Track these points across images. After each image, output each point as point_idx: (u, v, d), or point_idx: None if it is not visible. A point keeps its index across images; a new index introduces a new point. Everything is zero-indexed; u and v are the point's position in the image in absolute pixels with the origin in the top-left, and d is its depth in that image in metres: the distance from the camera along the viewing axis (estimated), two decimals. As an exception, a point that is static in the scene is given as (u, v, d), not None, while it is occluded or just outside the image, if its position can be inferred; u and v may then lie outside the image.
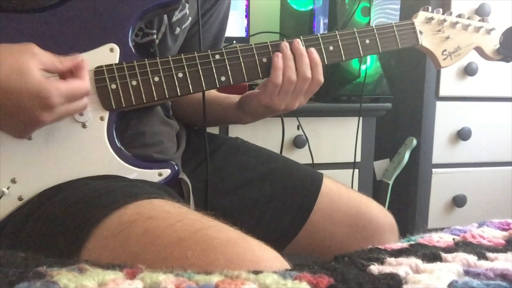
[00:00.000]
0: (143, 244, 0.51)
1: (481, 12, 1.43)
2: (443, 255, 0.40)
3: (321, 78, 0.77)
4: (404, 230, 0.78)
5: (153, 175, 0.70)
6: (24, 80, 0.55)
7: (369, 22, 1.35)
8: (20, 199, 0.63)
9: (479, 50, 0.91)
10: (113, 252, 0.52)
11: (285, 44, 0.75)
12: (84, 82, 0.61)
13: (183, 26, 0.81)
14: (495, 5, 1.45)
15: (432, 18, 0.86)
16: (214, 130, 1.25)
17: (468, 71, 1.47)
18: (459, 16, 0.88)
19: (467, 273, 0.36)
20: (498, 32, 0.89)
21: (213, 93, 0.92)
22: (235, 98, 0.86)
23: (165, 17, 0.76)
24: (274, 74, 0.74)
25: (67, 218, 0.56)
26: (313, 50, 0.76)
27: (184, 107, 0.91)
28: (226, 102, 0.88)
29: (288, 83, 0.74)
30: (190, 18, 0.82)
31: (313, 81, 0.76)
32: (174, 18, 0.78)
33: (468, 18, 0.88)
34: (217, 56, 0.72)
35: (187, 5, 0.80)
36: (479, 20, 0.89)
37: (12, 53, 0.56)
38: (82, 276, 0.31)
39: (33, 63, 0.56)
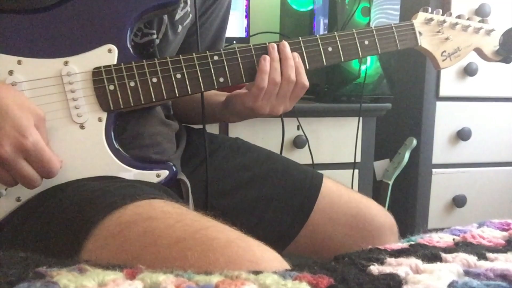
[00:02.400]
0: (143, 244, 0.51)
1: (481, 13, 1.43)
2: (443, 255, 0.40)
3: (306, 82, 0.76)
4: (404, 230, 0.78)
5: (151, 176, 0.70)
6: (20, 114, 0.57)
7: (369, 22, 1.35)
8: (18, 200, 0.63)
9: (478, 51, 0.90)
10: (113, 252, 0.52)
11: (273, 46, 0.75)
12: (58, 164, 0.61)
13: (185, 24, 0.81)
14: (495, 5, 1.45)
15: (431, 19, 0.85)
16: (214, 130, 1.25)
17: (468, 71, 1.47)
18: (459, 17, 0.88)
19: (467, 273, 0.36)
20: (498, 33, 0.89)
21: (210, 92, 0.91)
22: (222, 96, 0.86)
23: (165, 16, 0.76)
24: (259, 78, 0.73)
25: (66, 219, 0.56)
26: (296, 54, 0.76)
27: (183, 105, 0.91)
28: (214, 100, 0.87)
29: (273, 84, 0.74)
30: (191, 15, 0.82)
31: (297, 84, 0.76)
32: (177, 17, 0.78)
33: (468, 19, 0.88)
34: (216, 57, 0.72)
35: (188, 3, 0.80)
36: (479, 21, 0.89)
37: (24, 97, 0.60)
38: (82, 276, 0.31)
39: (33, 118, 0.59)
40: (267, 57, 0.74)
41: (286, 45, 0.75)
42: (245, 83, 0.76)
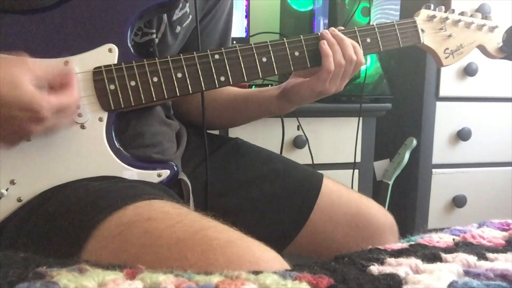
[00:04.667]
0: (143, 245, 0.51)
1: (481, 12, 1.43)
2: (443, 255, 0.40)
3: (363, 59, 0.80)
4: (404, 230, 0.78)
5: (152, 175, 0.70)
6: (17, 93, 0.55)
7: (369, 23, 1.35)
8: (19, 200, 0.63)
9: (481, 48, 0.90)
10: (113, 253, 0.52)
11: (326, 32, 0.78)
12: (74, 98, 0.61)
13: (184, 25, 0.81)
14: (495, 5, 1.45)
15: (434, 16, 0.85)
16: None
17: (468, 71, 1.47)
18: (462, 14, 0.87)
19: (467, 273, 0.36)
20: (501, 30, 0.88)
21: (242, 91, 0.92)
22: (273, 90, 0.87)
23: (165, 16, 0.76)
24: (326, 61, 0.76)
25: (67, 219, 0.56)
26: (349, 37, 0.79)
27: (211, 110, 0.90)
28: (264, 96, 0.88)
29: (339, 67, 0.77)
30: (190, 16, 0.82)
31: (357, 62, 0.79)
32: (175, 17, 0.78)
33: (471, 16, 0.87)
34: (217, 56, 0.72)
35: (187, 4, 0.80)
36: (482, 18, 0.88)
37: (6, 65, 0.56)
38: (82, 276, 0.31)
39: (26, 76, 0.56)
40: (325, 41, 0.77)
41: (334, 29, 0.79)
42: (247, 81, 0.76)
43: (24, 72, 0.57)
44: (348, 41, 0.78)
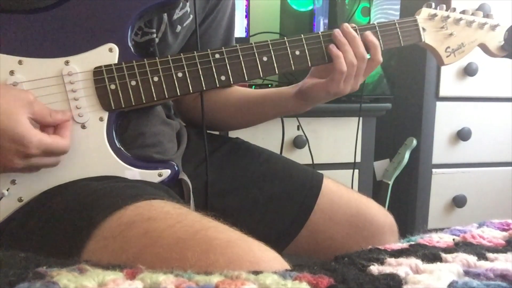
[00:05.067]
0: (143, 245, 0.51)
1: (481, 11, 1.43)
2: (443, 255, 0.40)
3: (380, 58, 0.80)
4: (404, 230, 0.78)
5: (153, 175, 0.70)
6: (12, 124, 0.56)
7: (369, 23, 1.35)
8: (20, 200, 0.63)
9: (483, 47, 0.89)
10: (113, 253, 0.52)
11: (338, 31, 0.78)
12: (66, 142, 0.62)
13: (185, 24, 0.81)
14: (495, 5, 1.45)
15: (435, 15, 0.85)
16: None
17: (468, 71, 1.47)
18: (463, 12, 0.86)
19: (467, 273, 0.36)
20: (503, 29, 0.88)
21: (257, 91, 0.92)
22: (290, 90, 0.87)
23: (165, 15, 0.76)
24: (337, 63, 0.76)
25: (67, 219, 0.56)
26: (368, 33, 0.79)
27: (222, 111, 0.91)
28: (281, 96, 0.87)
29: (351, 67, 0.77)
30: (191, 16, 0.82)
31: (373, 61, 0.79)
32: (175, 17, 0.78)
33: (472, 14, 0.87)
34: (217, 55, 0.72)
35: (187, 3, 0.80)
36: (483, 16, 0.88)
37: (7, 95, 0.57)
38: (82, 276, 0.31)
39: (25, 110, 0.58)
40: (333, 45, 0.77)
41: (348, 26, 0.79)
42: (247, 81, 0.76)
43: (24, 106, 0.58)
44: (359, 40, 0.78)
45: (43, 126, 0.61)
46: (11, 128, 0.56)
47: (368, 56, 0.78)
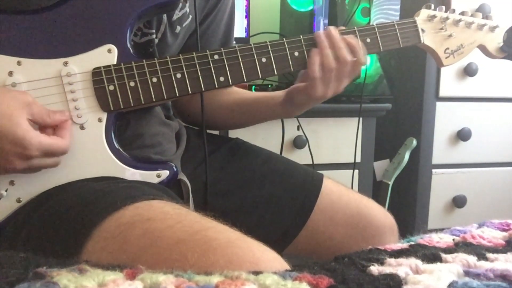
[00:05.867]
0: (143, 245, 0.51)
1: (481, 12, 1.43)
2: (443, 255, 0.40)
3: (363, 60, 0.78)
4: (404, 230, 0.78)
5: (152, 176, 0.70)
6: (12, 126, 0.56)
7: (369, 23, 1.35)
8: (18, 201, 0.63)
9: (482, 48, 0.89)
10: (113, 254, 0.52)
11: (320, 35, 0.76)
12: (66, 142, 0.62)
13: (184, 25, 0.81)
14: (495, 5, 1.45)
15: (434, 16, 0.85)
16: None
17: (468, 71, 1.47)
18: (462, 13, 0.86)
19: (467, 273, 0.36)
20: (502, 30, 0.88)
21: (251, 94, 0.92)
22: (281, 94, 0.86)
23: (165, 16, 0.76)
24: (309, 69, 0.75)
25: (66, 220, 0.56)
26: (348, 36, 0.78)
27: (217, 112, 0.91)
28: (273, 100, 0.87)
29: (328, 72, 0.76)
30: (190, 16, 0.82)
31: (356, 62, 0.77)
32: (175, 17, 0.78)
33: (472, 15, 0.87)
34: (216, 56, 0.72)
35: (187, 4, 0.80)
36: (483, 18, 0.88)
37: (6, 98, 0.57)
38: (82, 276, 0.31)
39: (24, 111, 0.58)
40: (314, 49, 0.76)
41: (332, 29, 0.77)
42: (246, 82, 0.76)
43: (23, 107, 0.58)
44: (341, 43, 0.76)
45: (42, 127, 0.61)
46: (11, 130, 0.56)
47: (350, 59, 0.76)
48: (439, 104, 1.51)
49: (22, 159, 0.58)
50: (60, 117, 0.63)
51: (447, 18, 0.85)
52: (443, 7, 0.85)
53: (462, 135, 1.52)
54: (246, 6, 1.55)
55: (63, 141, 0.62)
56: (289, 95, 0.83)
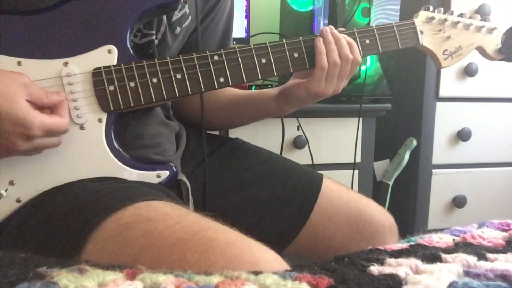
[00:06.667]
0: (142, 246, 0.51)
1: (480, 13, 1.43)
2: (443, 255, 0.40)
3: (360, 58, 0.79)
4: (404, 230, 0.78)
5: (152, 176, 0.70)
6: (13, 107, 0.56)
7: (369, 23, 1.35)
8: (18, 201, 0.63)
9: (480, 50, 0.90)
10: (112, 254, 0.52)
11: (326, 30, 0.78)
12: (65, 121, 0.62)
13: (184, 25, 0.81)
14: (495, 5, 1.45)
15: (433, 18, 0.85)
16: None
17: (468, 71, 1.47)
18: (461, 15, 0.87)
19: (467, 273, 0.36)
20: (500, 32, 0.89)
21: (242, 92, 0.92)
22: (272, 91, 0.87)
23: (164, 17, 0.76)
24: (319, 58, 0.76)
25: (66, 220, 0.56)
26: (344, 35, 0.79)
27: (211, 111, 0.91)
28: (265, 97, 0.88)
29: (334, 66, 0.76)
30: (190, 17, 0.82)
31: (353, 61, 0.78)
32: (174, 18, 0.78)
33: (470, 17, 0.88)
34: (216, 57, 0.72)
35: (186, 5, 0.80)
36: (481, 20, 0.88)
37: (4, 79, 0.57)
38: (82, 276, 0.31)
39: (23, 92, 0.58)
40: (320, 38, 0.77)
41: (332, 27, 0.79)
42: (246, 83, 0.76)
43: (21, 88, 0.58)
44: (344, 41, 0.77)
45: (40, 108, 0.61)
46: (11, 111, 0.56)
47: (351, 57, 0.78)
48: (439, 104, 1.51)
49: (25, 139, 0.58)
50: (57, 97, 0.63)
51: (445, 20, 0.85)
52: (442, 9, 0.86)
53: (462, 135, 1.52)
54: (246, 6, 1.55)
55: (63, 120, 0.62)
56: (285, 92, 0.83)
